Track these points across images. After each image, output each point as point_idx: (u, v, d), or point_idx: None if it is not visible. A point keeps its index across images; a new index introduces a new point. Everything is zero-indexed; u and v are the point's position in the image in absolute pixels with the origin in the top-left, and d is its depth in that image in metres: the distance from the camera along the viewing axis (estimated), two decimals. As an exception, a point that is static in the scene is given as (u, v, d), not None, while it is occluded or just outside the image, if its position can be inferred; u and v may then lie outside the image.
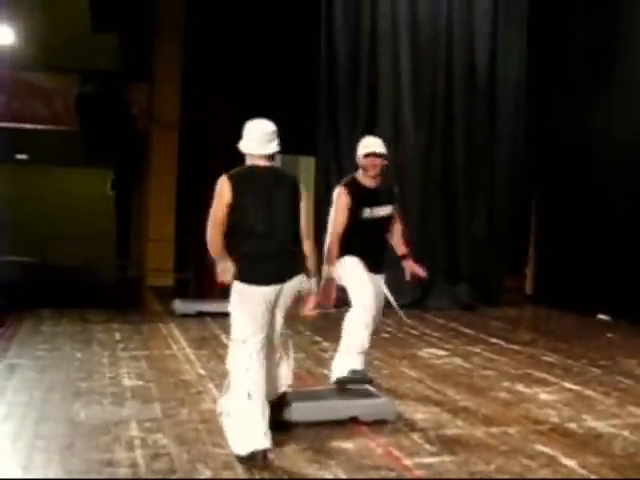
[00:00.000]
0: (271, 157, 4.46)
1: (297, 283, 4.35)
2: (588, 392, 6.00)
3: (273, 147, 4.43)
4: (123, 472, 3.92)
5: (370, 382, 5.32)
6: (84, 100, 12.24)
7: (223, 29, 11.10)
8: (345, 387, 5.20)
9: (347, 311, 5.35)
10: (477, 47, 11.22)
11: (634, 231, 9.95)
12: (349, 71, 10.73)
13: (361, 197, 5.44)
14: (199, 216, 11.45)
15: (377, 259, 5.56)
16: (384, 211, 5.53)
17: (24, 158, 18.80)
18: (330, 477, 3.94)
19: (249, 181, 4.37)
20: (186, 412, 5.08)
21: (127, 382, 5.91)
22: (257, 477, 3.91)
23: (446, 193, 11.16)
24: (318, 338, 8.06)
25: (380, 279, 5.58)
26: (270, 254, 4.29)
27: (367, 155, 5.42)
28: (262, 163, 4.42)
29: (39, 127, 13.17)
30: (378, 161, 5.44)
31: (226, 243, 4.32)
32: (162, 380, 6.01)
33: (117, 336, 7.98)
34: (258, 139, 4.40)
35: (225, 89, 11.03)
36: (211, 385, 5.86)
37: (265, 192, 4.36)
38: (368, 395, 5.09)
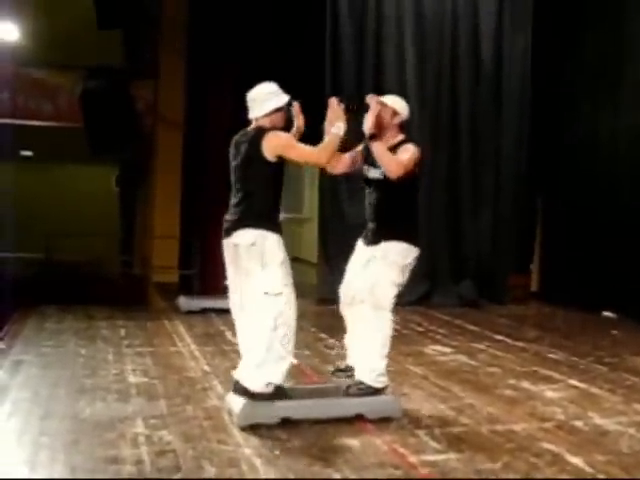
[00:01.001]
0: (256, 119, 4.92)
1: (237, 239, 4.75)
2: (594, 390, 5.99)
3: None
4: (128, 469, 3.92)
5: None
6: (89, 97, 12.21)
7: (228, 25, 11.07)
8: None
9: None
10: (482, 43, 11.19)
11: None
12: (354, 65, 10.73)
13: None
14: (204, 213, 11.47)
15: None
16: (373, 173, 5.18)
17: (29, 155, 18.83)
18: (335, 474, 3.93)
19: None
20: (191, 409, 5.07)
21: (132, 379, 5.91)
22: (262, 474, 3.90)
23: (451, 189, 11.14)
24: (323, 335, 8.05)
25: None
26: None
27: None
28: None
29: (43, 124, 13.16)
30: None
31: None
32: (167, 377, 6.01)
33: (122, 332, 7.98)
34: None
35: (231, 85, 11.00)
36: (216, 382, 5.85)
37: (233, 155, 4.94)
38: (373, 392, 5.07)
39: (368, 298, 5.01)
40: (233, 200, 4.88)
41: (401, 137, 5.17)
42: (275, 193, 4.82)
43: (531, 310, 11.18)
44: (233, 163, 4.92)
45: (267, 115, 4.85)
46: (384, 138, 5.07)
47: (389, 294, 5.03)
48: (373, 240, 5.14)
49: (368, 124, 5.01)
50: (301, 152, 4.80)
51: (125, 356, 6.76)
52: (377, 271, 5.03)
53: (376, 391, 5.00)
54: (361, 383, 5.01)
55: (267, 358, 4.63)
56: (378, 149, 4.95)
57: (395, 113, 5.17)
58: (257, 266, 4.67)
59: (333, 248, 10.53)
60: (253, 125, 4.90)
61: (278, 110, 4.89)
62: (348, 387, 5.05)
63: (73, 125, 12.72)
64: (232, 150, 4.94)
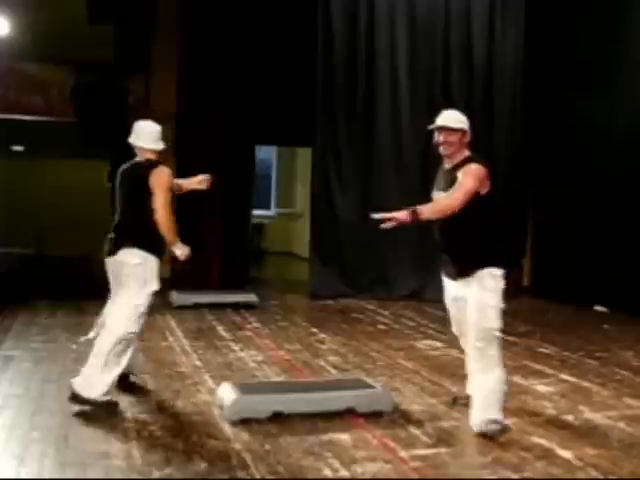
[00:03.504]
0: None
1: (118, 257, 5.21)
2: (585, 384, 6.01)
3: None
4: (118, 463, 3.92)
5: None
6: (80, 91, 12.17)
7: (220, 20, 11.05)
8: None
9: None
10: (474, 37, 11.17)
11: (632, 223, 9.94)
12: (346, 60, 10.71)
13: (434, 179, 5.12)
14: (196, 206, 11.39)
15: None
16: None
17: (19, 149, 18.73)
18: (326, 469, 3.93)
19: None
20: (181, 404, 5.07)
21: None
22: (252, 468, 3.90)
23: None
24: (314, 329, 8.05)
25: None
26: None
27: (433, 130, 4.97)
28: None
29: (35, 118, 13.10)
30: (442, 137, 4.86)
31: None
32: (158, 371, 6.00)
33: (113, 328, 7.94)
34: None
35: (222, 81, 10.98)
36: (207, 376, 5.85)
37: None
38: (364, 387, 5.08)
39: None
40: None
41: (467, 154, 4.89)
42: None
43: (522, 305, 11.17)
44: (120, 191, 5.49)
45: (157, 151, 5.51)
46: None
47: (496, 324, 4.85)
48: (462, 273, 4.90)
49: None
50: (161, 201, 5.19)
51: (116, 351, 6.73)
52: (479, 302, 4.82)
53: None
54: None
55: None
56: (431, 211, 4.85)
57: (464, 133, 4.92)
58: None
59: (325, 243, 10.54)
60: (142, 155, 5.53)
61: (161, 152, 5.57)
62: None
63: (64, 120, 12.68)
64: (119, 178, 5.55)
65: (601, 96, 10.64)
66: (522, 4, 11.36)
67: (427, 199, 9.47)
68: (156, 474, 3.78)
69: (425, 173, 10.98)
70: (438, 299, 10.32)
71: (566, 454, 4.27)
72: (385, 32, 10.82)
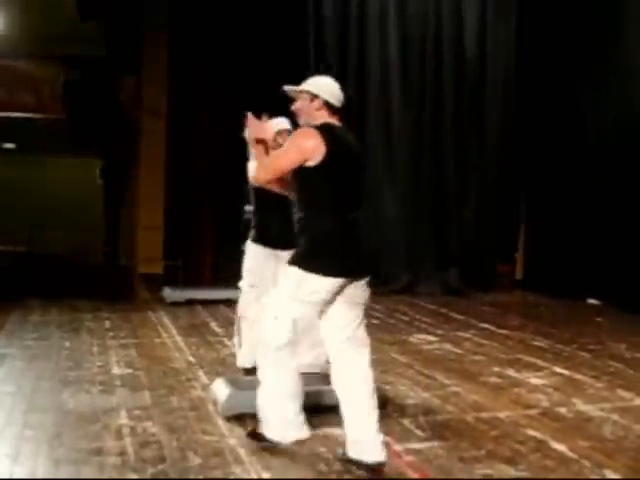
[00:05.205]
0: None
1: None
2: (578, 376, 6.02)
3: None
4: (112, 460, 3.90)
5: None
6: (71, 88, 12.15)
7: (211, 16, 11.03)
8: None
9: None
10: (466, 30, 11.19)
11: (624, 216, 9.97)
12: (337, 57, 10.73)
13: None
14: (189, 203, 11.40)
15: None
16: None
17: (11, 147, 18.70)
18: (320, 463, 3.93)
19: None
20: (176, 400, 5.06)
21: (116, 370, 5.89)
22: (247, 464, 3.90)
23: (435, 177, 11.16)
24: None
25: None
26: None
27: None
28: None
29: (26, 115, 13.08)
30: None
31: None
32: (151, 368, 5.99)
33: (106, 324, 7.95)
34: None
35: (213, 76, 10.97)
36: (201, 372, 5.84)
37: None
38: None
39: None
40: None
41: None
42: None
43: (516, 298, 11.23)
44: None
45: None
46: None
47: None
48: None
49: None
50: None
51: (110, 348, 6.74)
52: None
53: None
54: None
55: None
56: None
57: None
58: None
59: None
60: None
61: None
62: None
63: (55, 116, 12.66)
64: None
65: (593, 92, 10.66)
66: (513, 4, 11.39)
67: (417, 186, 9.41)
68: (150, 470, 3.78)
69: (416, 170, 11.04)
70: (431, 293, 10.53)
71: (560, 446, 4.28)
72: (375, 29, 10.82)
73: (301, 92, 4.05)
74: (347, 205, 3.93)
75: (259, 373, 4.03)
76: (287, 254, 4.21)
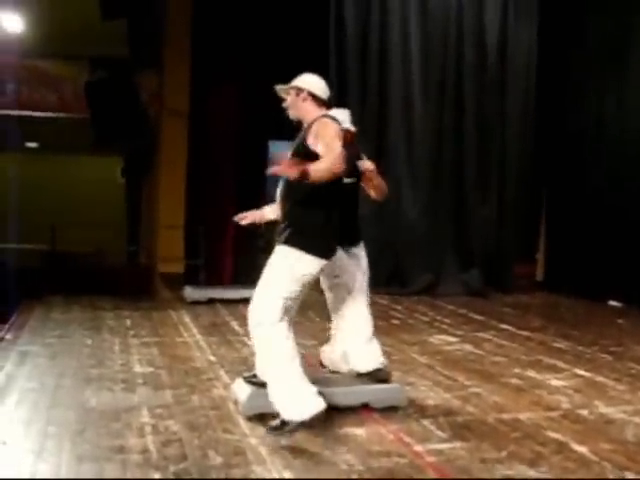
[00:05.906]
0: None
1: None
2: (599, 378, 5.99)
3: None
4: (134, 458, 3.93)
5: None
6: (93, 87, 12.20)
7: (232, 15, 11.07)
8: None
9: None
10: (487, 33, 11.16)
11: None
12: (358, 51, 10.73)
13: None
14: (209, 202, 11.43)
15: None
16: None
17: (34, 146, 18.82)
18: (341, 464, 3.94)
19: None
20: (197, 398, 5.08)
21: (138, 369, 5.92)
22: (268, 463, 3.91)
23: (457, 179, 11.13)
24: (328, 325, 8.04)
25: None
26: None
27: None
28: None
29: (49, 115, 13.16)
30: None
31: None
32: (173, 367, 6.02)
33: (128, 323, 8.00)
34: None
35: (235, 75, 11.00)
36: (222, 372, 5.87)
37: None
38: (379, 381, 5.07)
39: None
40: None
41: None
42: None
43: (536, 299, 11.17)
44: None
45: None
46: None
47: None
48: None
49: None
50: None
51: (131, 346, 6.78)
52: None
53: None
54: None
55: None
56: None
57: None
58: None
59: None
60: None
61: None
62: None
63: (78, 116, 12.73)
64: None
65: (613, 92, 10.61)
66: (535, 2, 11.35)
67: (438, 186, 9.32)
68: (172, 469, 3.80)
69: (437, 161, 11.01)
70: (451, 294, 10.50)
71: (581, 449, 4.26)
72: (397, 32, 10.80)
73: (288, 89, 4.59)
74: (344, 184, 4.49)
75: (259, 359, 4.46)
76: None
